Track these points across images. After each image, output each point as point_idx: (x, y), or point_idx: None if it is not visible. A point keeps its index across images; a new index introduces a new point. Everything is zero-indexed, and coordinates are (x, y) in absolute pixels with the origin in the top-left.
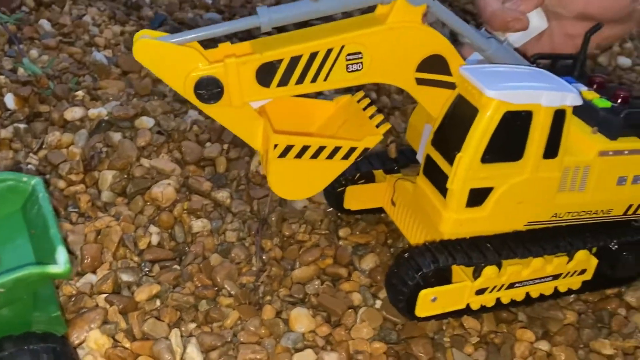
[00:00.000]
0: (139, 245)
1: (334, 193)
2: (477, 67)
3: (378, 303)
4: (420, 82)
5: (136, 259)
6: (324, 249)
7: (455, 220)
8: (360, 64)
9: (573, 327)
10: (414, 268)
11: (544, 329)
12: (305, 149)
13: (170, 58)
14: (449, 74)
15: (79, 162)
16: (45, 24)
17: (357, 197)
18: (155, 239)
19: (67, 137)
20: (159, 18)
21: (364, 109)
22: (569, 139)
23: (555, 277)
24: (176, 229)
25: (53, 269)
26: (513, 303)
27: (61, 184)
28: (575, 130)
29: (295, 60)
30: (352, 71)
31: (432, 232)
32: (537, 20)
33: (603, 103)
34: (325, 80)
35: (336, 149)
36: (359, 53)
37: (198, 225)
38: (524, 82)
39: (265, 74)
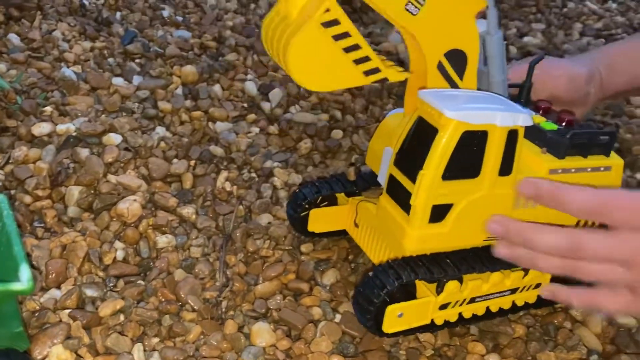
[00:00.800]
0: (104, 261)
1: (297, 217)
2: (434, 91)
3: (338, 317)
4: (439, 67)
5: (101, 274)
6: (287, 264)
7: (418, 236)
8: (417, 10)
9: (521, 340)
10: (379, 286)
11: (495, 342)
12: (346, 35)
13: None
14: (460, 77)
15: (46, 178)
16: (14, 38)
17: (320, 220)
18: (120, 255)
19: (34, 153)
20: (130, 35)
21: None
22: (521, 159)
23: (513, 291)
24: (141, 244)
25: (16, 286)
26: (474, 318)
27: (27, 199)
28: (527, 151)
29: None
30: (407, 11)
31: (396, 251)
32: None
33: (550, 126)
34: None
35: (366, 59)
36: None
37: (163, 240)
38: (480, 104)
39: None
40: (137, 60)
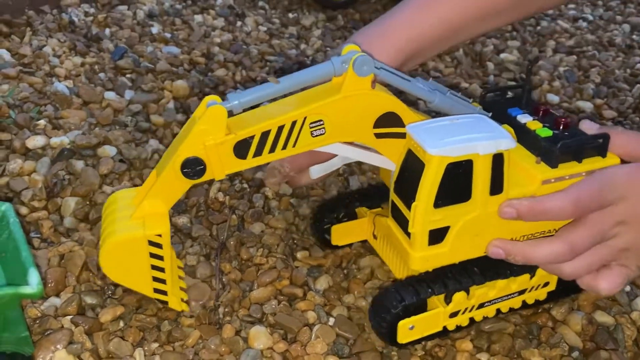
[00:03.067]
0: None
1: (319, 237)
2: (421, 125)
3: (331, 320)
4: (378, 136)
5: (99, 282)
6: (281, 271)
7: (421, 258)
8: (323, 129)
9: (510, 336)
10: (386, 307)
11: (488, 342)
12: (159, 258)
13: None
14: (402, 125)
15: (42, 189)
16: (4, 53)
17: (342, 234)
18: None
19: (29, 165)
20: (120, 50)
21: None
22: (515, 172)
23: (521, 292)
24: None
25: (26, 290)
26: (486, 319)
27: (23, 210)
28: (521, 162)
29: (265, 135)
30: (317, 135)
31: (406, 266)
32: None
33: (545, 132)
34: (294, 146)
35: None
36: (321, 120)
37: None
38: (462, 135)
39: (241, 149)
40: (128, 75)
